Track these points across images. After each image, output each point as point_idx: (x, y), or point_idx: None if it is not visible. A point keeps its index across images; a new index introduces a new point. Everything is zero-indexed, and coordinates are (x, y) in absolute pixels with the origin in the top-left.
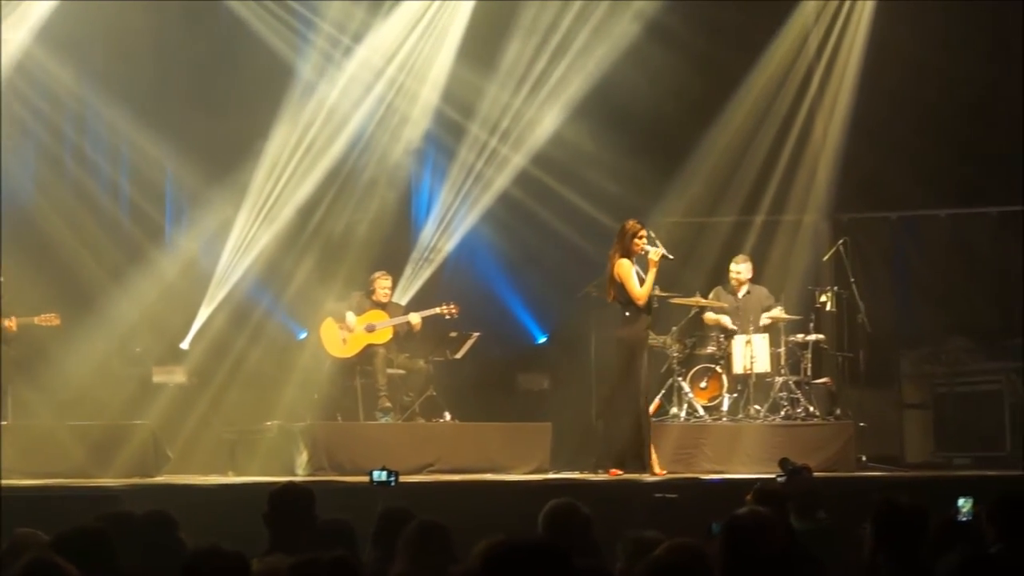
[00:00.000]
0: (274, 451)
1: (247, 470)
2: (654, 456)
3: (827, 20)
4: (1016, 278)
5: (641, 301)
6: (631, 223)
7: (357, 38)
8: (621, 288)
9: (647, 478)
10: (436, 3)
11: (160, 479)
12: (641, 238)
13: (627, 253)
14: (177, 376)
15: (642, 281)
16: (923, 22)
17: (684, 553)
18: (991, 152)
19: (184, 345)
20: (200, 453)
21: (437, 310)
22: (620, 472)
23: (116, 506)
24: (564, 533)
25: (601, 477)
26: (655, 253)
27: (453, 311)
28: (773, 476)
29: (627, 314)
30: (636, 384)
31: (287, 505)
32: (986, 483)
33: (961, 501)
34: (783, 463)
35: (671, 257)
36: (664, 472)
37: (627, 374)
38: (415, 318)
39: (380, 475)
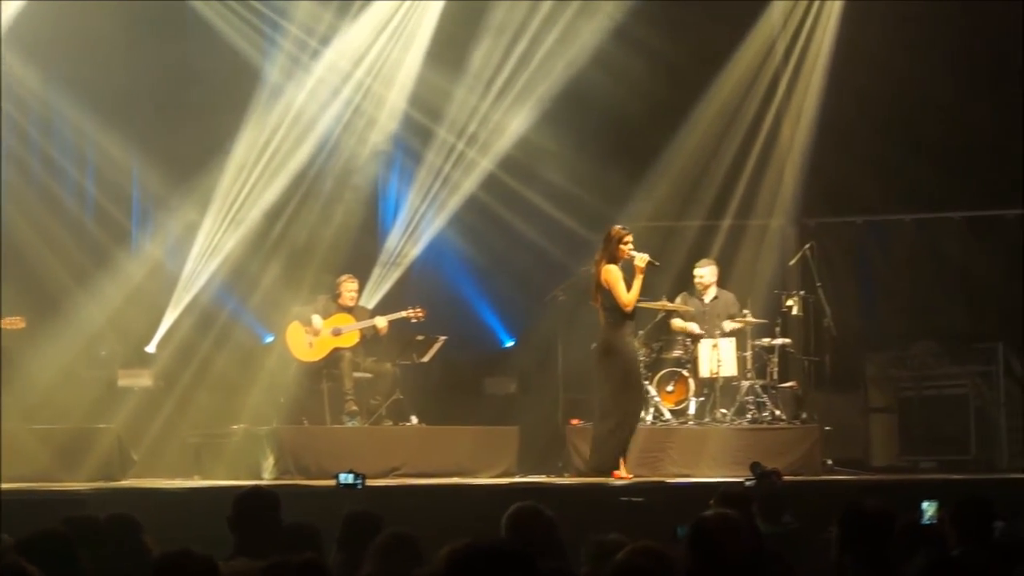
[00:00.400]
0: (240, 455)
1: (213, 474)
2: (622, 461)
3: (794, 24)
4: (981, 282)
5: (629, 307)
6: (616, 229)
7: (324, 41)
8: (608, 294)
9: (614, 482)
10: (404, 6)
11: (125, 483)
12: (627, 244)
13: (613, 259)
14: (143, 380)
15: (629, 287)
16: (890, 26)
17: (647, 556)
18: (957, 157)
19: (150, 349)
20: (166, 457)
21: (404, 314)
22: (623, 476)
23: (81, 510)
24: (527, 536)
25: (567, 480)
26: (641, 259)
27: (420, 315)
28: (740, 480)
29: (612, 320)
30: (620, 390)
31: (252, 509)
32: (951, 487)
33: (925, 505)
34: (754, 467)
35: (657, 263)
36: (631, 477)
37: (612, 379)
38: (381, 322)
39: (347, 478)
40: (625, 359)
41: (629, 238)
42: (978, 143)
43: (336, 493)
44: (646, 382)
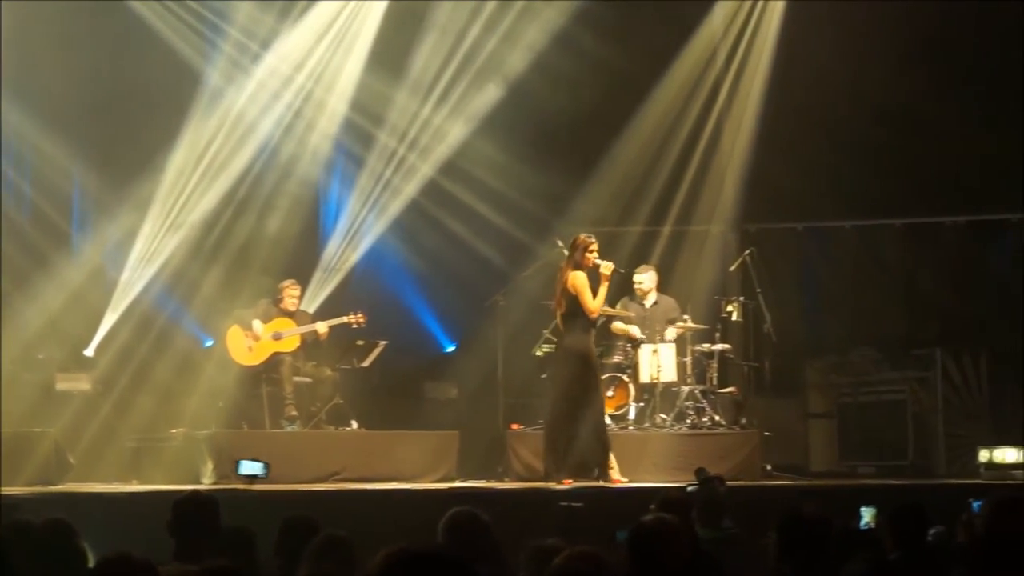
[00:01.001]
0: (179, 459)
1: (151, 478)
2: (614, 464)
3: (736, 29)
4: (920, 289)
5: (594, 314)
6: (582, 236)
7: (265, 44)
8: (574, 300)
9: (555, 487)
10: (345, 9)
11: (63, 487)
12: (592, 251)
13: (579, 266)
14: (81, 383)
15: (595, 294)
16: (831, 31)
17: (584, 561)
18: (897, 164)
19: (89, 352)
20: (104, 461)
21: (345, 319)
22: (573, 482)
23: (16, 514)
24: (464, 541)
25: (507, 485)
26: (606, 267)
27: (361, 320)
28: (681, 485)
29: (574, 326)
30: (593, 394)
31: (191, 514)
32: (888, 492)
33: (863, 510)
34: (698, 472)
35: (622, 271)
36: (623, 481)
37: (582, 384)
38: (322, 327)
39: (251, 467)
40: (593, 363)
41: (595, 246)
42: (919, 150)
43: (279, 497)
44: None
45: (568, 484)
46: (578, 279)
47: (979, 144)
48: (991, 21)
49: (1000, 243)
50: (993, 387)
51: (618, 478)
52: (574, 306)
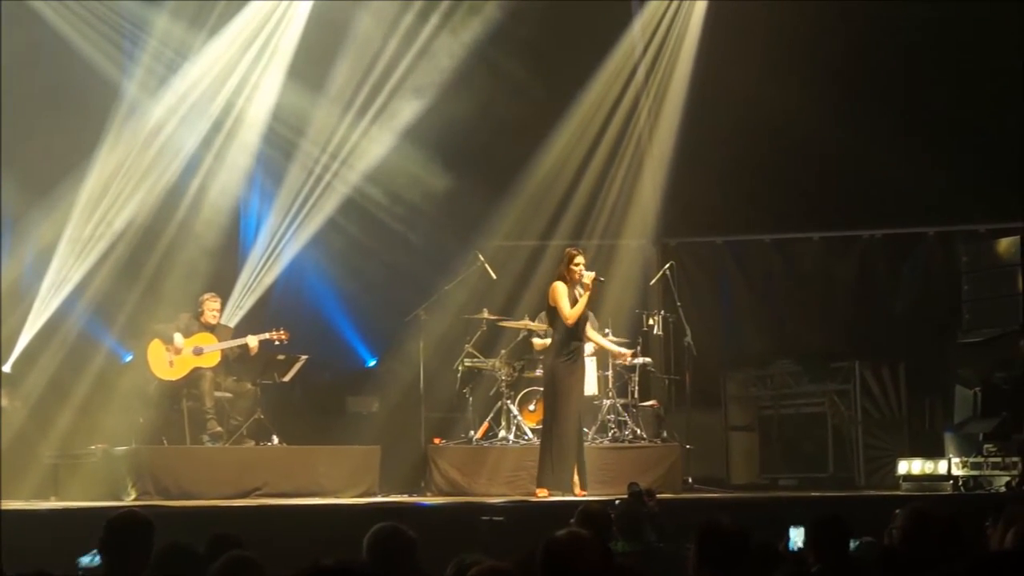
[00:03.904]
0: (99, 475)
1: (71, 495)
2: (576, 478)
3: (655, 46)
4: (839, 302)
5: (570, 321)
6: (568, 250)
7: (186, 55)
8: (553, 311)
9: (532, 498)
10: (268, 24)
11: None
12: (578, 264)
13: (562, 277)
14: None
15: (575, 302)
16: (748, 47)
17: None
18: (816, 177)
19: (6, 368)
20: (23, 478)
21: (267, 335)
22: (547, 493)
23: None
24: (388, 557)
25: (431, 500)
26: (588, 277)
27: (283, 337)
28: (609, 498)
29: (555, 340)
30: (571, 407)
31: (125, 533)
32: (809, 504)
33: (792, 531)
34: (630, 486)
35: (602, 280)
36: (584, 494)
37: (559, 398)
38: (253, 340)
39: (89, 560)
40: (562, 376)
41: (580, 258)
42: (836, 165)
43: (200, 513)
44: (508, 401)
45: (539, 495)
46: (555, 290)
47: (892, 161)
48: (902, 42)
49: (914, 256)
50: (911, 399)
51: (579, 492)
52: (554, 317)
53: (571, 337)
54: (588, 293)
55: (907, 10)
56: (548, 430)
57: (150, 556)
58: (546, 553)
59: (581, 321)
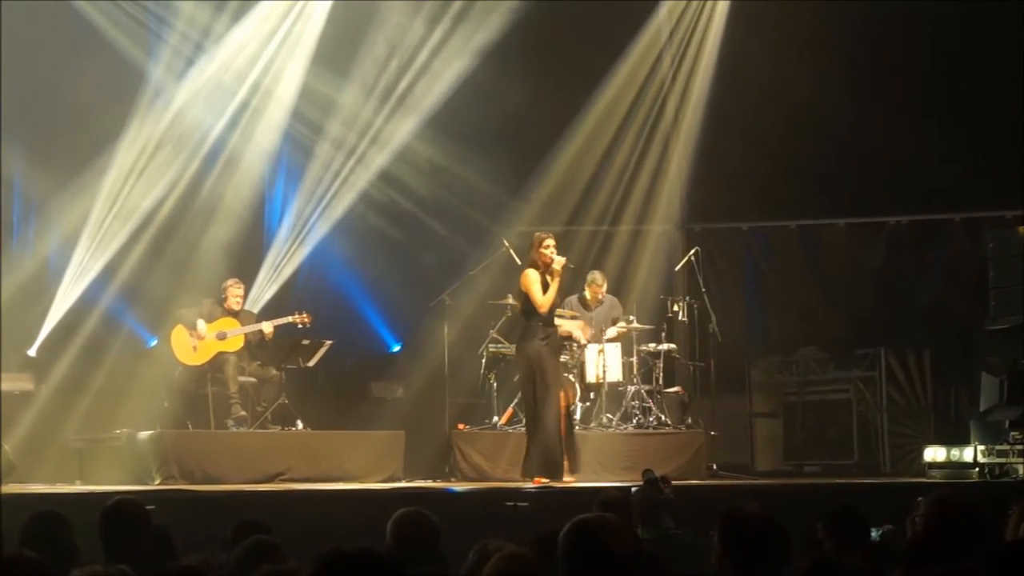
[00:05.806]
0: (123, 460)
1: (96, 479)
2: (566, 464)
3: (681, 33)
4: (864, 288)
5: (543, 309)
6: (536, 234)
7: (212, 39)
8: (525, 298)
9: (509, 486)
10: (294, 8)
11: (5, 488)
12: (547, 248)
13: (534, 263)
14: (24, 383)
15: (546, 290)
16: (775, 36)
17: (514, 562)
18: (843, 164)
19: (32, 352)
20: (47, 462)
21: (290, 319)
22: (545, 480)
23: None
24: (411, 542)
25: (455, 485)
26: (558, 263)
27: (306, 320)
28: (627, 485)
29: (527, 326)
30: (553, 392)
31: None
32: (833, 491)
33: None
34: (645, 473)
35: (572, 266)
36: (572, 479)
37: (542, 383)
38: (267, 326)
39: None
40: (541, 362)
41: (549, 242)
42: (862, 151)
43: (224, 498)
44: None
45: (538, 483)
46: (526, 276)
47: (918, 147)
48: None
49: (940, 243)
50: (937, 386)
51: (567, 478)
52: (527, 304)
53: (545, 323)
54: (559, 280)
55: None
56: (532, 416)
57: (151, 540)
58: (578, 535)
59: (554, 307)
